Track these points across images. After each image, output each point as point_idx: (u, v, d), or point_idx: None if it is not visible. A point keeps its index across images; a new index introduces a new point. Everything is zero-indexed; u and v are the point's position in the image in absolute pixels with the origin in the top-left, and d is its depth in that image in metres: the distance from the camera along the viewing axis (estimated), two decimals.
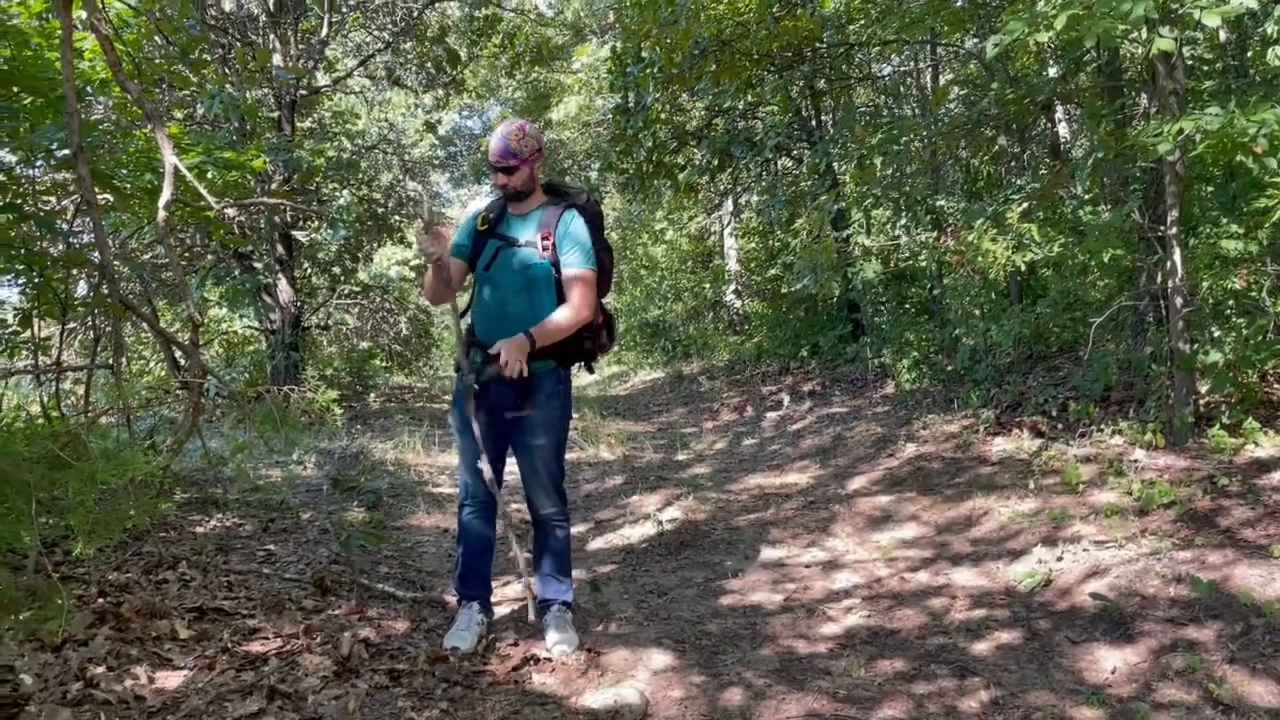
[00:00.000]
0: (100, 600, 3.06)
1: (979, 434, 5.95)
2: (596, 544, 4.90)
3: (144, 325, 5.36)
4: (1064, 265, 6.97)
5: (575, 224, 3.21)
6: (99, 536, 2.72)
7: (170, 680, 2.66)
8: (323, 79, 11.30)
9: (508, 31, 14.61)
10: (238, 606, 3.30)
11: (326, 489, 5.45)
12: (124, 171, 4.54)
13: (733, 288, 16.72)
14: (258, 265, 10.41)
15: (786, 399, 9.41)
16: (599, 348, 3.41)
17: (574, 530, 4.36)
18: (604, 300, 3.42)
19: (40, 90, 3.80)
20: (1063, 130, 9.16)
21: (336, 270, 12.59)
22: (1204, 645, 2.98)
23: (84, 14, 3.45)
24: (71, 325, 5.73)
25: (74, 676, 2.52)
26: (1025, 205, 5.63)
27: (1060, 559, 3.84)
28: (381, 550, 4.45)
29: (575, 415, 5.76)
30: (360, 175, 12.29)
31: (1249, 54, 6.15)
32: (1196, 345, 4.83)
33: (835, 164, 9.86)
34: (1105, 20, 3.72)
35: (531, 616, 3.30)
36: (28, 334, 4.53)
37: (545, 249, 3.19)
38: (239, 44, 9.76)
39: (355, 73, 12.58)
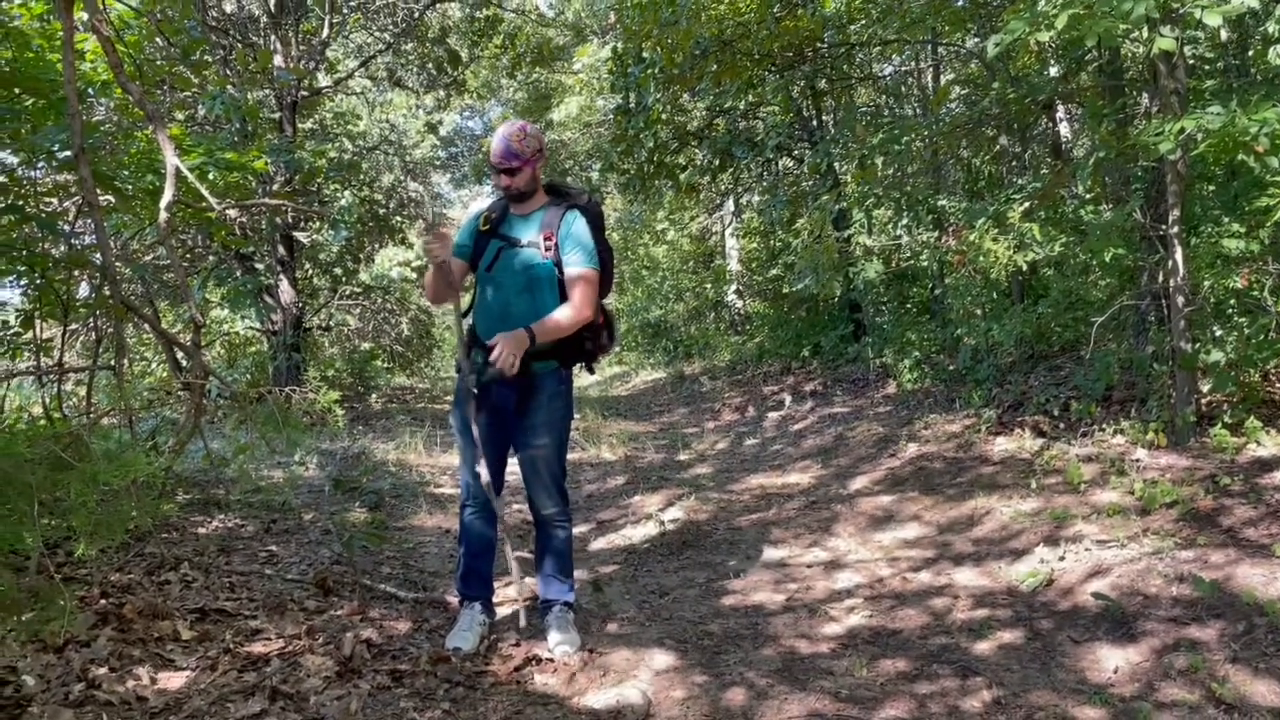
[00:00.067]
0: (102, 601, 3.07)
1: (981, 434, 5.95)
2: (598, 544, 4.90)
3: (146, 326, 5.36)
4: (1065, 265, 6.98)
5: (578, 224, 3.21)
6: (101, 537, 2.72)
7: (172, 681, 2.66)
8: (324, 80, 11.31)
9: (509, 32, 14.62)
10: (240, 607, 3.31)
11: (328, 490, 5.45)
12: (126, 173, 4.55)
13: (734, 288, 16.71)
14: (259, 266, 10.43)
15: (788, 399, 9.41)
16: (599, 348, 3.41)
17: (576, 531, 4.36)
18: (605, 300, 3.42)
19: (42, 92, 3.80)
20: (1064, 130, 9.17)
21: (338, 271, 12.60)
22: (1206, 645, 2.97)
23: (85, 15, 3.46)
24: (73, 326, 5.74)
25: (76, 677, 2.52)
26: (1027, 205, 5.63)
27: (1062, 559, 3.84)
28: (383, 551, 4.45)
29: (577, 416, 5.76)
30: (361, 176, 12.30)
31: (1250, 53, 6.14)
32: (1198, 344, 4.83)
33: (836, 164, 9.86)
34: (1106, 20, 3.72)
35: (521, 622, 3.29)
36: (30, 335, 4.54)
37: (548, 249, 3.19)
38: (240, 45, 9.77)
39: (356, 74, 12.60)
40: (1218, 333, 4.94)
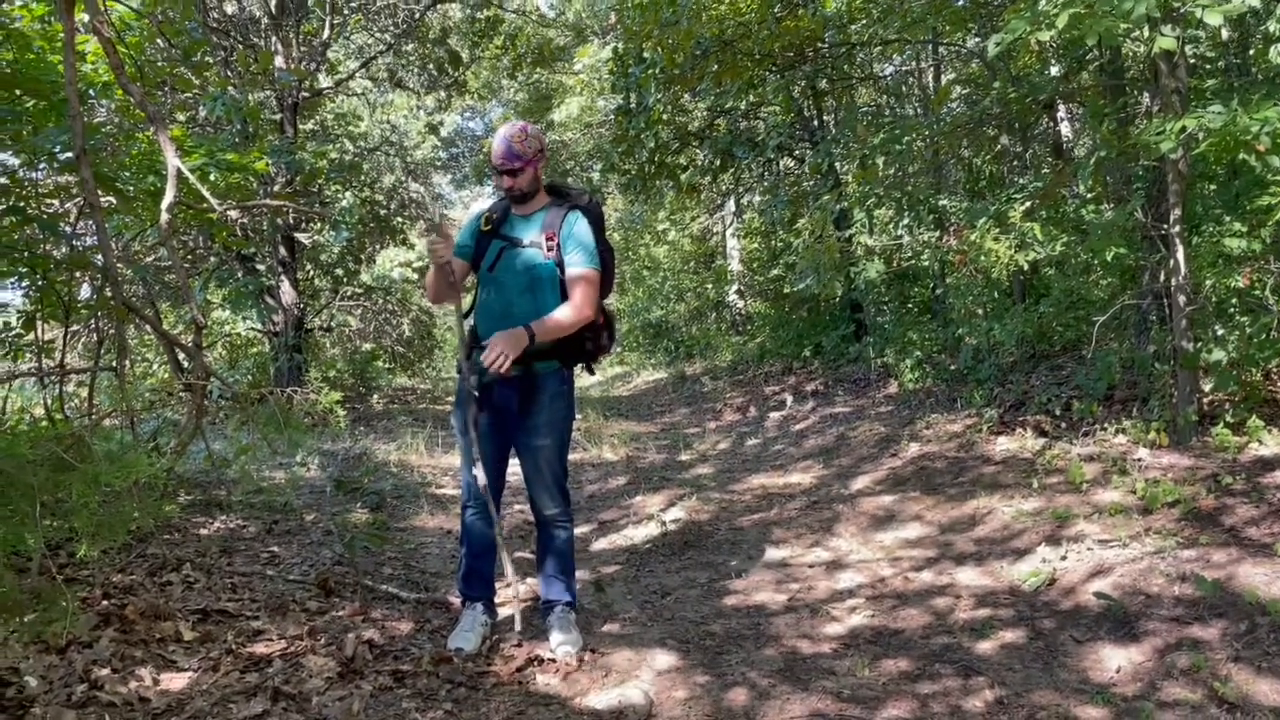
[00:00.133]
0: (104, 602, 3.07)
1: (982, 433, 5.95)
2: (600, 544, 4.90)
3: (147, 327, 5.37)
4: (1067, 264, 6.97)
5: (579, 225, 3.22)
6: (103, 539, 2.72)
7: (175, 682, 2.66)
8: (325, 81, 11.32)
9: (509, 33, 14.62)
10: (242, 608, 3.31)
11: (330, 491, 5.45)
12: (127, 174, 4.55)
13: (735, 288, 16.71)
14: (260, 267, 10.43)
15: (789, 399, 9.41)
16: (599, 349, 3.41)
17: (577, 531, 4.36)
18: (605, 301, 3.42)
19: (43, 93, 3.81)
20: (1065, 129, 9.16)
21: (339, 272, 12.61)
22: (1209, 644, 2.97)
23: (86, 17, 3.46)
24: (75, 328, 5.73)
25: (78, 678, 2.53)
26: (1028, 204, 5.63)
27: (1064, 558, 3.83)
28: (385, 551, 4.46)
29: (578, 416, 5.76)
30: (362, 177, 12.30)
31: (1251, 52, 6.14)
32: (1200, 344, 4.82)
33: (837, 164, 9.86)
34: (1107, 19, 3.72)
35: (517, 626, 3.28)
36: (31, 336, 4.53)
37: (550, 249, 3.19)
38: (241, 46, 9.78)
39: (357, 75, 12.60)
40: (1219, 332, 4.93)
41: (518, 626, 3.28)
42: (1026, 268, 6.10)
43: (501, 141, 3.17)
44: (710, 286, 17.77)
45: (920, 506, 4.99)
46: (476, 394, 3.21)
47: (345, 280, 12.74)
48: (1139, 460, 4.69)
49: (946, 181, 9.60)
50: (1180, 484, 4.24)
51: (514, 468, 3.42)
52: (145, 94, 3.64)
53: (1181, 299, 4.75)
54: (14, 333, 4.60)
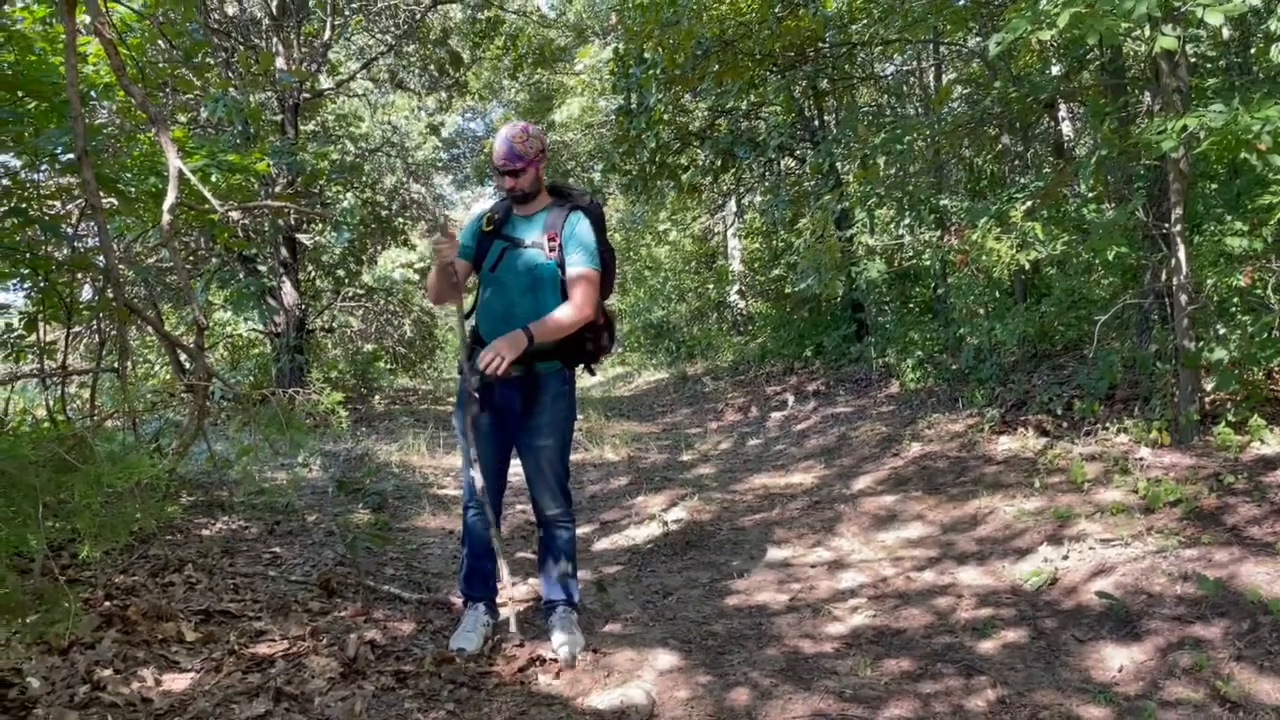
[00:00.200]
0: (107, 603, 3.07)
1: (984, 433, 5.94)
2: (602, 545, 4.90)
3: (149, 329, 5.37)
4: (1068, 263, 6.97)
5: (581, 225, 3.22)
6: (105, 539, 2.72)
7: (177, 682, 2.67)
8: (326, 82, 11.32)
9: (510, 33, 14.62)
10: (244, 609, 3.31)
11: (332, 491, 5.46)
12: (128, 175, 4.56)
13: (736, 288, 16.71)
14: (262, 268, 10.44)
15: (791, 399, 9.41)
16: (600, 349, 3.41)
17: (579, 531, 4.35)
18: (606, 301, 3.42)
19: (44, 95, 3.81)
20: (1066, 129, 9.16)
21: (341, 273, 12.62)
22: (1211, 643, 2.97)
23: (88, 18, 3.46)
24: (77, 329, 5.73)
25: (81, 679, 2.53)
26: (1029, 204, 5.62)
27: (1066, 557, 3.83)
28: (387, 552, 4.46)
29: (580, 416, 5.76)
30: (364, 178, 12.31)
31: (1252, 51, 6.13)
32: (1201, 343, 4.82)
33: (838, 164, 9.86)
34: (1108, 18, 3.72)
35: (512, 627, 3.29)
36: (33, 338, 4.54)
37: (552, 250, 3.20)
38: (242, 48, 9.79)
39: (358, 75, 12.61)
40: (1221, 331, 4.93)
41: (513, 627, 3.29)
42: (1028, 267, 6.10)
43: (503, 142, 3.17)
44: (711, 287, 17.77)
45: (922, 506, 4.99)
46: (477, 395, 3.21)
47: (347, 281, 12.76)
48: (1141, 459, 4.69)
49: (948, 181, 9.59)
50: (1182, 483, 4.24)
51: (516, 468, 3.42)
52: (147, 95, 3.64)
53: (1183, 298, 4.74)
54: (16, 334, 4.61)
